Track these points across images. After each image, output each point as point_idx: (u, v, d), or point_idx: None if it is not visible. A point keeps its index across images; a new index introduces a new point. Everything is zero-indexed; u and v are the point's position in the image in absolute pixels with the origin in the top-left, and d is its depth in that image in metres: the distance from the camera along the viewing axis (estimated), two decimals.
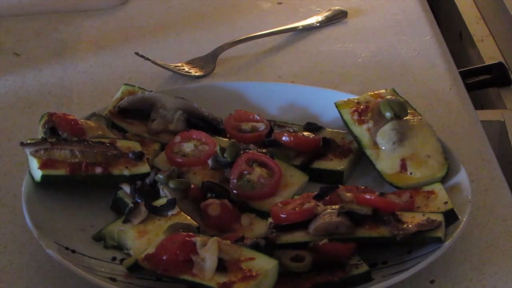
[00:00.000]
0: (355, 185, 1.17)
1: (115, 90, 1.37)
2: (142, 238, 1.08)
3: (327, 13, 1.77)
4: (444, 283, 1.07)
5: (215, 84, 1.45)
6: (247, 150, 1.22)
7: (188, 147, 1.24)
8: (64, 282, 1.08)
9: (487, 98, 1.77)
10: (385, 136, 1.21)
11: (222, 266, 1.00)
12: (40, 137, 1.20)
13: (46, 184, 1.15)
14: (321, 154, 1.25)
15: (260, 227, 1.13)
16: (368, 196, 1.09)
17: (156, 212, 1.11)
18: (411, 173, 1.19)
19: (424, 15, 1.73)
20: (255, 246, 1.04)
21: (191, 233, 1.04)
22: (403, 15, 1.74)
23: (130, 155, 1.19)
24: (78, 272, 1.02)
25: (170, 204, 1.11)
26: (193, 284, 0.99)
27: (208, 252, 1.00)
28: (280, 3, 1.86)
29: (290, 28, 1.70)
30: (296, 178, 1.21)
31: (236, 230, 1.12)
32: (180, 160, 1.22)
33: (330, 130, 1.30)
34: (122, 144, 1.21)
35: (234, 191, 1.17)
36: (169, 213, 1.10)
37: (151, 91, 1.35)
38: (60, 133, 1.21)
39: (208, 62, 1.58)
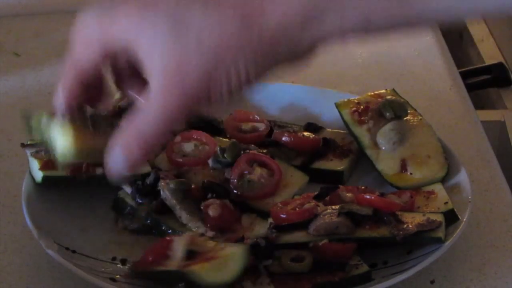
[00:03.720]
0: (355, 185, 1.17)
1: (115, 90, 1.37)
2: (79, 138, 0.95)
3: None
4: (444, 283, 1.07)
5: None
6: (248, 150, 1.22)
7: (188, 147, 1.24)
8: (64, 282, 1.07)
9: (487, 98, 1.77)
10: (385, 136, 1.21)
11: (191, 256, 1.01)
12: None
13: (47, 185, 1.15)
14: (321, 154, 1.25)
15: (260, 227, 1.13)
16: (368, 196, 1.09)
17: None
18: (411, 173, 1.19)
19: None
20: (256, 246, 1.05)
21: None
22: None
23: None
24: (78, 272, 1.02)
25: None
26: (160, 273, 1.01)
27: (177, 243, 1.02)
28: None
29: None
30: (296, 178, 1.21)
31: (237, 230, 1.13)
32: (180, 160, 1.22)
33: (330, 130, 1.30)
34: None
35: (235, 191, 1.17)
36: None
37: None
38: None
39: None
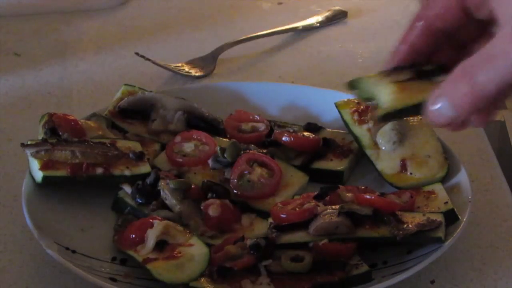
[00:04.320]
0: (355, 185, 1.17)
1: (115, 90, 1.37)
2: (400, 93, 0.98)
3: (327, 13, 1.77)
4: (444, 283, 1.07)
5: (215, 84, 1.45)
6: (248, 150, 1.22)
7: (188, 147, 1.24)
8: (64, 282, 1.08)
9: None
10: (385, 136, 1.21)
11: (162, 247, 1.06)
12: (40, 138, 1.20)
13: (47, 185, 1.15)
14: (321, 154, 1.25)
15: (260, 227, 1.13)
16: (368, 196, 1.09)
17: (422, 75, 1.00)
18: (411, 173, 1.19)
19: None
20: (256, 246, 1.05)
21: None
22: (402, 15, 1.74)
23: (131, 155, 1.19)
24: (78, 272, 1.02)
25: (439, 69, 0.99)
26: (128, 257, 1.07)
27: (152, 232, 1.06)
28: (280, 3, 1.87)
29: (290, 28, 1.71)
30: (296, 178, 1.21)
31: (237, 230, 1.13)
32: (181, 160, 1.22)
33: (330, 130, 1.30)
34: (122, 144, 1.21)
35: (235, 191, 1.17)
36: (437, 78, 0.98)
37: (151, 91, 1.35)
38: (60, 133, 1.21)
39: (208, 62, 1.58)
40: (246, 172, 1.19)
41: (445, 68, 0.95)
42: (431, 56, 0.96)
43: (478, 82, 0.81)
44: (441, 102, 0.85)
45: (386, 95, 0.97)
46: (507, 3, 0.81)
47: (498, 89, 0.80)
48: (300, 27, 1.71)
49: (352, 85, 1.01)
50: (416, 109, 0.93)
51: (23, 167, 1.21)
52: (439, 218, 1.07)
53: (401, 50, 0.97)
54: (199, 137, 1.26)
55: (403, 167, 1.19)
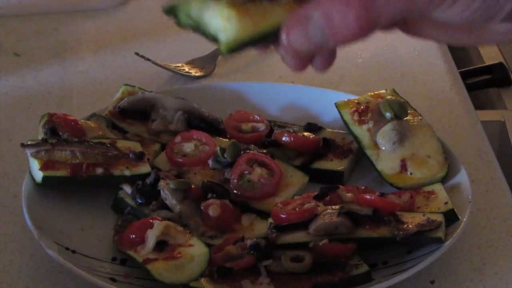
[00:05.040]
0: (355, 185, 1.17)
1: (115, 90, 1.37)
2: (242, 18, 0.75)
3: None
4: (444, 283, 1.07)
5: (215, 85, 1.45)
6: (248, 151, 1.22)
7: (188, 147, 1.24)
8: (64, 282, 1.07)
9: (487, 98, 1.77)
10: (385, 136, 1.21)
11: (162, 247, 1.06)
12: (40, 138, 1.20)
13: (47, 185, 1.15)
14: (321, 154, 1.25)
15: (260, 227, 1.13)
16: (368, 197, 1.09)
17: None
18: (411, 174, 1.19)
19: None
20: (256, 247, 1.05)
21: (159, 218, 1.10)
22: None
23: (131, 155, 1.19)
24: (78, 272, 1.02)
25: None
26: (128, 257, 1.07)
27: (152, 232, 1.06)
28: None
29: None
30: (296, 179, 1.21)
31: (237, 230, 1.13)
32: (181, 160, 1.22)
33: (330, 130, 1.30)
34: (122, 144, 1.21)
35: (235, 191, 1.17)
36: None
37: (151, 91, 1.35)
38: (60, 133, 1.21)
39: (208, 62, 1.58)
40: (246, 172, 1.19)
41: None
42: None
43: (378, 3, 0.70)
44: (312, 24, 0.70)
45: (222, 22, 0.74)
46: None
47: (400, 14, 0.71)
48: None
49: (169, 11, 0.78)
50: (267, 37, 0.74)
51: (23, 167, 1.21)
52: (439, 218, 1.07)
53: None
54: (199, 137, 1.26)
55: (403, 167, 1.19)
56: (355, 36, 0.70)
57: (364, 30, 0.69)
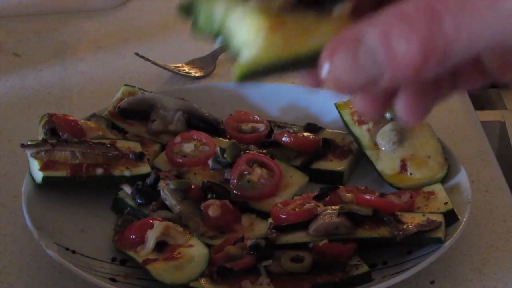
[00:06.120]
0: (355, 185, 1.17)
1: (115, 90, 1.37)
2: (273, 33, 0.56)
3: None
4: (444, 283, 1.07)
5: (215, 85, 1.45)
6: (247, 151, 1.22)
7: (188, 147, 1.24)
8: (64, 282, 1.08)
9: (488, 98, 1.77)
10: (385, 136, 1.21)
11: (162, 248, 1.06)
12: (40, 138, 1.20)
13: (47, 185, 1.15)
14: (321, 154, 1.25)
15: (260, 228, 1.13)
16: (368, 197, 1.09)
17: (314, 3, 0.57)
18: (411, 174, 1.19)
19: None
20: (256, 247, 1.05)
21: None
22: None
23: (131, 155, 1.19)
24: (78, 273, 1.02)
25: None
26: (128, 258, 1.07)
27: (152, 232, 1.06)
28: None
29: None
30: (296, 179, 1.21)
31: (237, 230, 1.12)
32: (180, 160, 1.22)
33: (330, 130, 1.30)
34: (122, 144, 1.21)
35: (235, 192, 1.17)
36: (336, 9, 0.56)
37: (151, 91, 1.35)
38: (60, 134, 1.21)
39: (208, 62, 1.58)
40: (246, 172, 1.19)
41: None
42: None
43: (448, 26, 0.51)
44: (364, 48, 0.52)
45: (248, 34, 0.56)
46: None
47: (479, 47, 0.52)
48: None
49: (186, 10, 0.61)
50: (302, 63, 0.55)
51: (23, 167, 1.21)
52: (439, 218, 1.07)
53: None
54: (199, 138, 1.26)
55: (403, 167, 1.19)
56: (416, 69, 0.51)
57: (429, 61, 0.51)
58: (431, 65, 0.51)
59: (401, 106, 0.56)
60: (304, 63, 0.55)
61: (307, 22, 0.55)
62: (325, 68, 0.54)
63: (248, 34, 0.56)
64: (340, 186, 1.13)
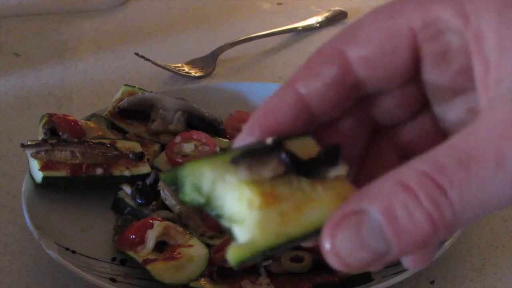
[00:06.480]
0: None
1: (115, 90, 1.37)
2: (266, 211, 0.51)
3: (327, 14, 1.77)
4: (444, 283, 1.07)
5: (215, 85, 1.45)
6: None
7: (188, 147, 1.24)
8: (64, 282, 1.07)
9: None
10: None
11: (162, 248, 1.06)
12: (40, 138, 1.20)
13: (47, 185, 1.15)
14: None
15: None
16: None
17: (307, 172, 0.53)
18: None
19: None
20: None
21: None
22: None
23: (131, 155, 1.19)
24: (78, 273, 1.02)
25: (332, 155, 0.53)
26: (128, 258, 1.07)
27: (152, 232, 1.06)
28: (280, 4, 1.86)
29: (290, 28, 1.70)
30: None
31: None
32: (181, 160, 1.22)
33: None
34: (122, 144, 1.21)
35: None
36: (331, 174, 0.53)
37: (151, 91, 1.35)
38: (60, 134, 1.21)
39: (208, 62, 1.58)
40: None
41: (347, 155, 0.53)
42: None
43: (458, 199, 0.48)
44: (368, 224, 0.49)
45: (239, 208, 0.51)
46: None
47: (490, 210, 0.49)
48: (300, 28, 1.71)
49: (172, 180, 0.52)
50: (302, 240, 0.54)
51: (23, 167, 1.21)
52: None
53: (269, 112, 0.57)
54: (199, 138, 1.26)
55: None
56: (427, 238, 0.48)
57: (438, 232, 0.48)
58: (441, 234, 0.48)
59: (408, 264, 0.55)
60: (304, 240, 0.54)
61: (301, 191, 0.52)
62: (327, 249, 0.52)
63: (239, 209, 0.51)
64: None
